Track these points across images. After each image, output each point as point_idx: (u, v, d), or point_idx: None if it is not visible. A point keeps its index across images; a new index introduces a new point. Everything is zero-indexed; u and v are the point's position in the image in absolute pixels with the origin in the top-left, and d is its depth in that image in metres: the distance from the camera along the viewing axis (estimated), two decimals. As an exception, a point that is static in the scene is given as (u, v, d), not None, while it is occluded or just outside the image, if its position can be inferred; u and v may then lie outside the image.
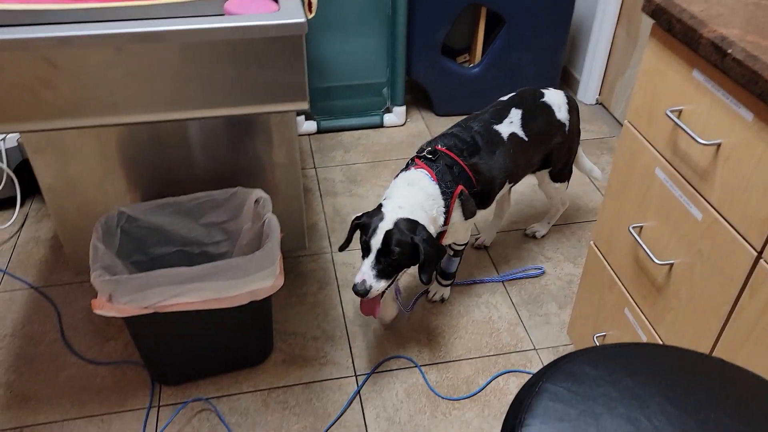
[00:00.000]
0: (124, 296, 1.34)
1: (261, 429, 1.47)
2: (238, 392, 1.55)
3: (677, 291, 1.14)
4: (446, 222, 1.52)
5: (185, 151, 1.61)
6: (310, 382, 1.58)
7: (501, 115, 1.65)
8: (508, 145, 1.62)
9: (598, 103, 2.74)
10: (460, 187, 1.52)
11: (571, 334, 1.61)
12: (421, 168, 1.50)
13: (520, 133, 1.64)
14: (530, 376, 1.51)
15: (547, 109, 1.71)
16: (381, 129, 2.61)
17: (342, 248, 1.52)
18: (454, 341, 1.70)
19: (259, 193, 1.58)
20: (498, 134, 1.62)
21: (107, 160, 1.55)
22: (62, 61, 1.02)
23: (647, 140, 1.16)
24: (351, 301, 1.81)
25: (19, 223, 2.07)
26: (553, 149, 1.74)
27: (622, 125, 1.38)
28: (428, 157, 1.52)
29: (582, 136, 2.28)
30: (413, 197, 1.45)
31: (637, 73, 1.21)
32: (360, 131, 2.59)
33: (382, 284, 1.40)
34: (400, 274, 1.46)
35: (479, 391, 1.56)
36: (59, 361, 1.61)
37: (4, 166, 1.95)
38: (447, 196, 1.49)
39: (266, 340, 1.63)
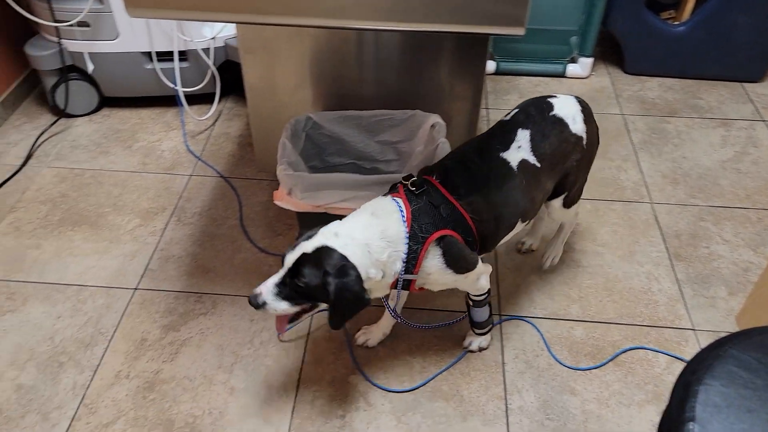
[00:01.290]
0: (302, 192, 1.45)
1: (402, 343, 1.54)
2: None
3: None
4: (415, 269, 1.23)
5: (374, 69, 1.66)
6: (454, 311, 1.61)
7: (506, 140, 1.33)
8: (519, 176, 1.30)
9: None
10: (440, 233, 1.21)
11: (740, 321, 1.49)
12: (399, 199, 1.23)
13: (531, 159, 1.32)
14: (685, 359, 1.43)
15: (560, 124, 1.37)
16: (562, 79, 2.50)
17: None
18: (606, 304, 1.64)
19: (435, 118, 1.60)
20: (506, 164, 1.30)
21: (305, 67, 1.65)
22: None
23: None
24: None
25: (214, 118, 2.29)
26: (569, 170, 1.41)
27: None
28: (411, 189, 1.24)
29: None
30: (365, 231, 1.19)
31: None
32: (539, 78, 2.50)
33: (282, 306, 1.18)
34: (309, 307, 1.22)
35: (619, 355, 1.50)
36: (236, 244, 1.80)
37: (210, 63, 2.15)
38: (417, 240, 1.20)
39: None
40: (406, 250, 1.20)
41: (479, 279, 1.36)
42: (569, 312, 1.62)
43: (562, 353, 1.52)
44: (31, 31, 2.26)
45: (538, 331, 1.56)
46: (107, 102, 2.31)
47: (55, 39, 2.07)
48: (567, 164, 1.39)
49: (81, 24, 2.02)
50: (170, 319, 1.59)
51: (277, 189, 1.51)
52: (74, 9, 1.99)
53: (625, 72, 2.52)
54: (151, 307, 1.61)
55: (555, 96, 1.43)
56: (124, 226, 1.84)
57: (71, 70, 2.15)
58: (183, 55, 2.14)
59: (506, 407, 1.41)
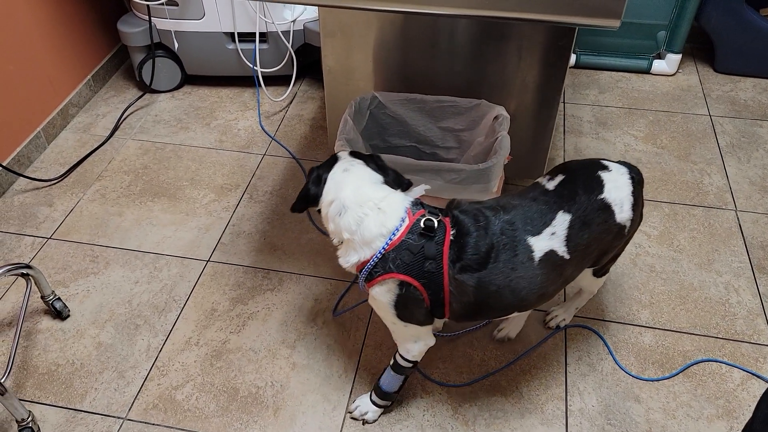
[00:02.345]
0: None
1: (463, 335, 1.53)
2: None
3: None
4: (368, 284, 1.16)
5: (449, 56, 1.64)
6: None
7: (540, 221, 1.14)
8: (537, 270, 1.13)
9: None
10: (408, 280, 1.12)
11: (828, 343, 1.39)
12: (406, 216, 1.14)
13: (561, 251, 1.13)
14: (765, 376, 1.35)
15: (606, 211, 1.17)
16: (646, 75, 2.39)
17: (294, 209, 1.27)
18: (679, 312, 1.57)
19: (500, 110, 1.58)
20: (528, 252, 1.12)
21: (381, 51, 1.65)
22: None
23: None
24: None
25: (289, 99, 2.33)
26: (604, 252, 1.25)
27: None
28: (429, 221, 1.12)
29: None
30: (365, 200, 1.15)
31: None
32: (621, 73, 2.41)
33: None
34: None
35: (690, 366, 1.44)
36: (304, 224, 1.83)
37: (289, 45, 2.19)
38: (384, 266, 1.12)
39: None
40: (368, 256, 1.14)
41: (415, 341, 1.24)
42: (638, 317, 1.56)
43: (628, 359, 1.47)
44: (123, 8, 2.37)
45: (601, 337, 1.52)
46: (189, 79, 2.40)
47: (146, 17, 2.16)
48: (601, 248, 1.22)
49: (170, 3, 2.10)
50: (239, 293, 1.64)
51: None
52: (165, -12, 2.07)
53: (716, 71, 2.39)
54: (221, 280, 1.67)
55: (607, 168, 1.22)
56: (200, 200, 1.92)
57: (158, 47, 2.24)
58: (263, 37, 2.19)
59: (566, 408, 1.39)
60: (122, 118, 2.24)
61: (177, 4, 2.11)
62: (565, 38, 1.52)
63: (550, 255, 1.13)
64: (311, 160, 2.06)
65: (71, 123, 2.23)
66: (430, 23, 1.59)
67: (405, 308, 1.16)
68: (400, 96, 1.64)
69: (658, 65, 2.37)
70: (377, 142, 1.71)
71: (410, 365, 1.28)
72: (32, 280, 1.51)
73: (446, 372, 1.46)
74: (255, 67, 2.22)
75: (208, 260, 1.73)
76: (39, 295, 1.56)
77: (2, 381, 1.27)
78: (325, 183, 1.19)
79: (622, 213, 1.19)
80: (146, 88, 2.34)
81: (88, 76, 2.30)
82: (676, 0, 2.22)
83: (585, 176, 1.20)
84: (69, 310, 1.60)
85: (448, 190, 1.44)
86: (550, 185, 1.21)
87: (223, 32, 2.18)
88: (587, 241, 1.16)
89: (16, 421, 1.32)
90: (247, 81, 2.37)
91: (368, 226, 1.13)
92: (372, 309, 1.59)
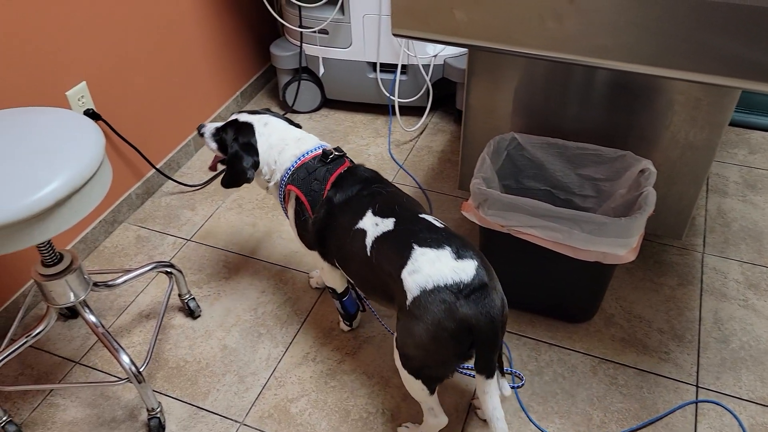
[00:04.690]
0: (490, 209, 1.45)
1: (584, 390, 1.47)
2: (570, 348, 1.57)
3: None
4: (285, 202, 1.45)
5: (592, 102, 1.60)
6: (645, 371, 1.50)
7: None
8: (361, 248, 1.28)
9: None
10: (294, 190, 1.40)
11: None
12: (317, 146, 1.44)
13: (370, 250, 1.28)
14: None
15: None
16: (804, 139, 2.22)
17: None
18: (833, 404, 1.41)
19: (647, 164, 1.51)
20: (363, 233, 1.28)
21: (524, 93, 1.65)
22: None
23: None
24: (712, 310, 1.64)
25: (420, 130, 2.37)
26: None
27: None
28: (328, 151, 1.40)
29: None
30: (282, 139, 1.44)
31: None
32: (776, 135, 2.25)
33: (212, 145, 1.49)
34: (222, 159, 1.52)
35: None
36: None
37: (427, 79, 2.24)
38: (286, 180, 1.42)
39: (594, 303, 1.60)
40: (284, 177, 1.42)
41: (322, 269, 1.48)
42: (784, 402, 1.42)
43: (769, 447, 1.34)
44: (276, 33, 2.53)
45: (737, 418, 1.39)
46: (327, 103, 2.51)
47: (297, 42, 2.30)
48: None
49: (321, 31, 2.22)
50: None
51: (467, 200, 1.53)
52: (318, 17, 2.19)
53: None
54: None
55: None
56: (327, 220, 1.98)
57: (304, 71, 2.37)
58: (403, 69, 2.25)
59: (693, 490, 1.28)
60: (262, 134, 2.38)
61: (327, 33, 2.22)
62: (728, 96, 1.45)
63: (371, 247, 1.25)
64: (437, 191, 2.08)
65: (217, 134, 2.40)
66: (578, 69, 1.57)
67: (300, 223, 1.42)
68: (540, 139, 1.62)
69: (820, 129, 2.18)
70: (510, 182, 1.70)
71: (331, 290, 1.54)
72: (174, 278, 1.62)
73: (563, 428, 1.39)
74: (392, 97, 2.29)
75: (331, 279, 1.78)
76: (177, 292, 1.68)
77: (141, 370, 1.37)
78: (256, 145, 1.44)
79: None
80: (288, 108, 2.47)
81: (237, 93, 2.47)
82: None
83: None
84: (201, 310, 1.70)
85: (582, 239, 1.40)
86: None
87: (366, 61, 2.27)
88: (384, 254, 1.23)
89: (147, 410, 1.42)
90: (381, 109, 2.45)
91: (287, 153, 1.42)
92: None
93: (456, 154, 2.24)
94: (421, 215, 1.25)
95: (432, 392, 1.24)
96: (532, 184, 1.71)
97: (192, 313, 1.68)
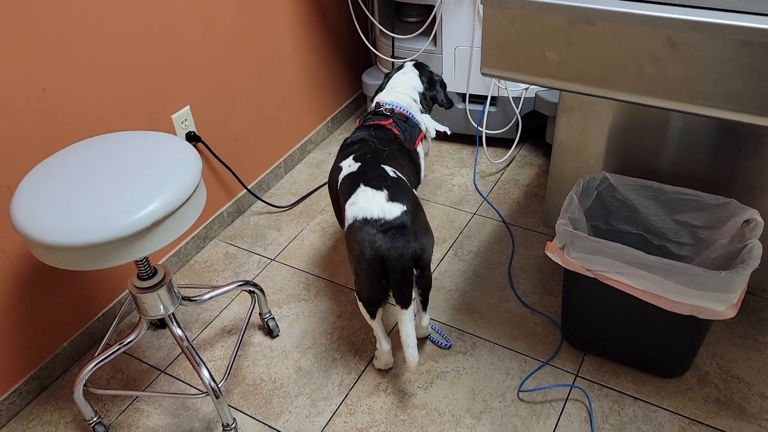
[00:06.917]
0: (576, 251, 1.39)
1: (668, 452, 1.37)
2: (657, 404, 1.47)
3: None
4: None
5: (691, 145, 1.51)
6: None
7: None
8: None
9: None
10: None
11: None
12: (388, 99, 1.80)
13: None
14: None
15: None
16: None
17: None
18: None
19: (753, 213, 1.40)
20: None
21: (617, 132, 1.58)
22: (681, 43, 1.01)
23: None
24: None
25: (507, 162, 2.34)
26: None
27: None
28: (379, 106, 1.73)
29: None
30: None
31: None
32: None
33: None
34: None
35: None
36: (504, 292, 1.80)
37: (517, 111, 2.20)
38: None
39: (687, 358, 1.49)
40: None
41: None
42: None
43: None
44: (369, 62, 2.59)
45: None
46: (414, 131, 2.53)
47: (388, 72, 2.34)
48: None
49: (413, 61, 2.25)
50: (431, 348, 1.65)
51: (552, 240, 1.48)
52: (411, 48, 2.22)
53: None
54: (417, 331, 1.70)
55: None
56: (407, 249, 1.98)
57: (393, 99, 2.41)
58: (493, 101, 2.24)
59: None
60: (349, 160, 2.43)
61: (418, 63, 2.25)
62: None
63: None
64: (520, 226, 2.03)
65: (306, 158, 2.47)
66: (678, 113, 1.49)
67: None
68: (634, 181, 1.55)
69: None
70: (599, 223, 1.63)
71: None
72: (256, 298, 1.68)
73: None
74: (480, 128, 2.27)
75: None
76: (257, 311, 1.73)
77: (220, 385, 1.42)
78: (390, 78, 1.87)
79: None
80: (375, 135, 2.51)
81: (328, 118, 2.54)
82: None
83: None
84: (279, 330, 1.74)
85: (676, 291, 1.31)
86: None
87: (456, 92, 2.27)
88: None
89: (222, 425, 1.46)
90: (468, 139, 2.44)
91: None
92: (567, 396, 1.49)
93: (543, 188, 2.19)
94: (382, 165, 1.48)
95: (372, 316, 1.47)
96: (623, 227, 1.63)
97: (271, 333, 1.73)
